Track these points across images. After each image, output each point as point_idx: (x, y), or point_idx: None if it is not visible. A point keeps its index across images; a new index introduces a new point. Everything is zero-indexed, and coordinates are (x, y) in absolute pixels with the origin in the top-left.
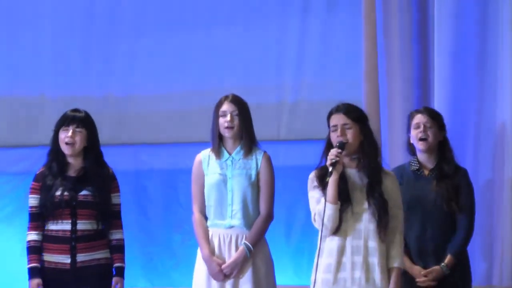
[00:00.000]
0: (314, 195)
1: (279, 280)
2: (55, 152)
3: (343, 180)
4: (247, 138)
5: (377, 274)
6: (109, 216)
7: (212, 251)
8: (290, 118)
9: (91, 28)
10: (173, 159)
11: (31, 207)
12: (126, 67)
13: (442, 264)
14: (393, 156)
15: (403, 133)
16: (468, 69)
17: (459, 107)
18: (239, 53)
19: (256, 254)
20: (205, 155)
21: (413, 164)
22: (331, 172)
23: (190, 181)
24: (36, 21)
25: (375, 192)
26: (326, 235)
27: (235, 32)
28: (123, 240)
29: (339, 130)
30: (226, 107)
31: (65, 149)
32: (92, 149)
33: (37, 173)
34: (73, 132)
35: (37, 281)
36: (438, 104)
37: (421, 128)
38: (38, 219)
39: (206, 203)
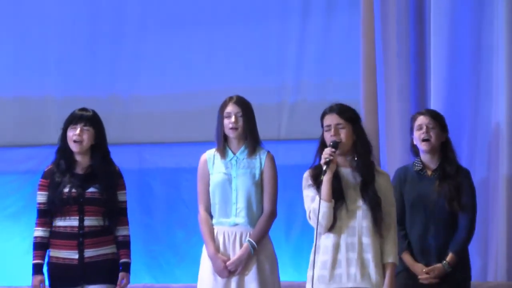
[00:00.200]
0: (308, 193)
1: (280, 276)
2: (63, 150)
3: (337, 179)
4: (251, 138)
5: (372, 270)
6: (115, 212)
7: (217, 249)
8: (290, 118)
9: (97, 30)
10: (176, 158)
11: (39, 203)
12: (131, 68)
13: (444, 261)
14: (391, 155)
15: (400, 132)
16: (464, 70)
17: (455, 108)
18: (241, 55)
19: (261, 251)
20: (210, 154)
21: (416, 164)
22: (325, 171)
23: (194, 180)
24: (43, 24)
25: (368, 190)
26: (321, 232)
27: (237, 34)
28: (129, 236)
29: (332, 129)
30: (230, 108)
31: (73, 147)
32: (99, 147)
33: (45, 170)
34: (81, 130)
35: (40, 278)
36: (434, 105)
37: (424, 129)
38: (45, 215)
39: (211, 202)
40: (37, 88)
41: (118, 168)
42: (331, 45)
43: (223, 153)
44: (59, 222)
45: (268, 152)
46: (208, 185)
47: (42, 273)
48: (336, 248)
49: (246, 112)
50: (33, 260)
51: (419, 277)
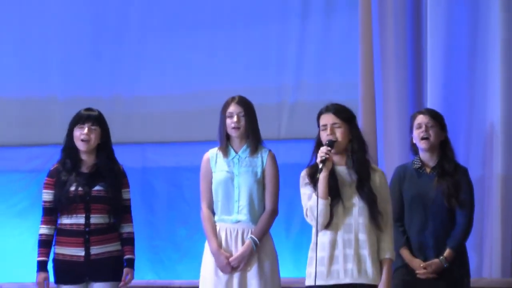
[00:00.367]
0: (305, 191)
1: (280, 272)
2: (69, 149)
3: (333, 177)
4: (253, 138)
5: (368, 266)
6: (120, 210)
7: (219, 245)
8: (290, 118)
9: (99, 31)
10: (178, 157)
11: (45, 201)
12: (133, 69)
13: (441, 257)
14: (388, 154)
15: (398, 131)
16: (459, 71)
17: (450, 107)
18: (241, 55)
19: (262, 248)
20: (213, 153)
21: (415, 162)
22: (321, 169)
23: (195, 178)
24: (46, 25)
25: (364, 187)
26: (319, 229)
27: (237, 36)
28: (133, 233)
29: (328, 129)
30: (233, 108)
31: (81, 146)
32: (104, 146)
33: (51, 169)
34: (89, 130)
35: (44, 275)
36: (431, 105)
37: (423, 128)
38: (51, 213)
39: (214, 199)
40: (41, 88)
41: (122, 166)
42: (330, 46)
43: (225, 152)
44: (65, 220)
45: (270, 150)
46: (211, 183)
47: (46, 270)
48: (333, 244)
49: (248, 112)
50: (38, 257)
51: (417, 272)
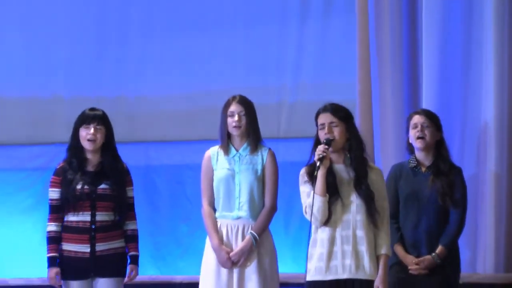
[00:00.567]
0: (304, 189)
1: (279, 268)
2: (74, 148)
3: (331, 175)
4: (254, 136)
5: (366, 261)
6: (124, 208)
7: (220, 241)
8: (289, 117)
9: (104, 32)
10: (180, 156)
11: (51, 199)
12: (136, 70)
13: (434, 254)
14: (384, 153)
15: (394, 131)
16: (454, 72)
17: (445, 107)
18: (242, 56)
19: (261, 244)
20: (214, 151)
21: (411, 161)
22: (318, 167)
23: (196, 176)
24: (52, 26)
25: (362, 185)
26: (317, 226)
27: (238, 37)
28: (137, 230)
29: (326, 128)
30: (234, 107)
31: (87, 145)
32: (109, 145)
33: (57, 167)
34: (95, 130)
35: (55, 270)
36: (426, 105)
37: (419, 128)
38: (58, 211)
39: (215, 196)
40: (46, 88)
41: (126, 165)
42: (328, 47)
43: (226, 150)
44: (72, 217)
45: (270, 149)
46: (212, 180)
47: (57, 266)
48: (332, 241)
49: (249, 111)
50: (48, 253)
51: (409, 267)
